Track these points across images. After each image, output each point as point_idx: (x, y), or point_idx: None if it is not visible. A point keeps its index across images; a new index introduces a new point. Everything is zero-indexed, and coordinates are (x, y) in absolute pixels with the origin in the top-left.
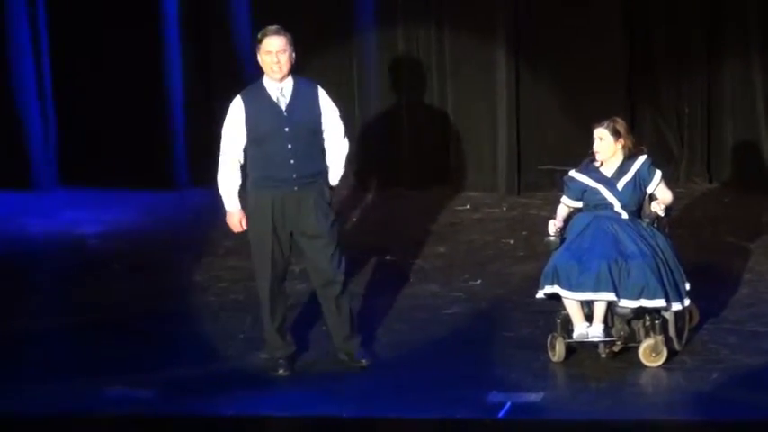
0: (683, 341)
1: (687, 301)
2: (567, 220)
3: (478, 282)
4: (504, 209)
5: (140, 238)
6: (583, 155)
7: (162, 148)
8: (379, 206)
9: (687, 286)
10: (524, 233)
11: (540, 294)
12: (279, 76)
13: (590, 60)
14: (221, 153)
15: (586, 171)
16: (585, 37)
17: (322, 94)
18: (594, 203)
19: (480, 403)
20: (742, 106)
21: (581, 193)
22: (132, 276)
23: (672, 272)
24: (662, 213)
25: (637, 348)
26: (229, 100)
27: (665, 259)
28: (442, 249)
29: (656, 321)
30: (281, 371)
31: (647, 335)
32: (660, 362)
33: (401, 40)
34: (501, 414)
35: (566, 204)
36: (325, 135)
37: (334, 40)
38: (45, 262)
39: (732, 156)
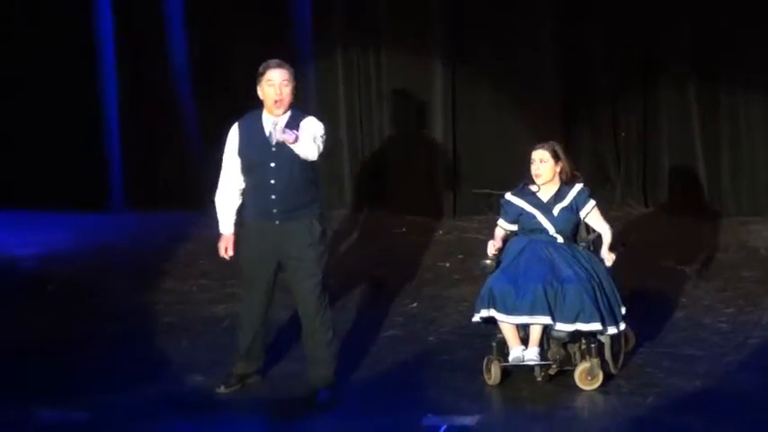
0: (619, 365)
1: (623, 325)
2: (504, 243)
3: (415, 305)
4: (441, 232)
5: (74, 261)
6: (519, 178)
7: (96, 171)
8: None
9: (623, 310)
10: (460, 256)
11: (476, 318)
12: (280, 110)
13: (527, 84)
14: (220, 176)
15: (522, 194)
16: (523, 61)
17: (306, 122)
18: (530, 227)
19: (416, 426)
20: (678, 130)
21: (517, 216)
22: (66, 299)
23: (607, 296)
24: (609, 263)
25: (572, 372)
26: (165, 121)
27: (601, 283)
28: (378, 272)
29: (592, 345)
30: (222, 387)
31: (582, 358)
32: (596, 385)
33: (340, 65)
34: None
35: (502, 227)
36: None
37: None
38: None
39: (668, 179)
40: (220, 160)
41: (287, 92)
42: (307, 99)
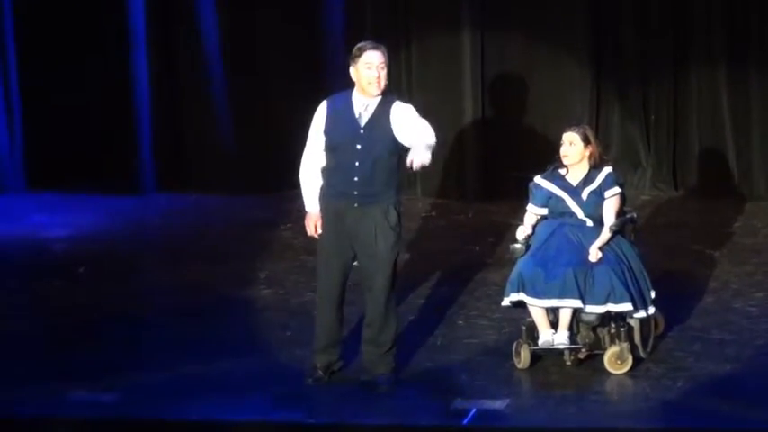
0: (649, 349)
1: (652, 309)
2: (534, 229)
3: (444, 288)
4: (470, 215)
5: (107, 242)
6: (549, 161)
7: (128, 153)
8: None
9: (652, 294)
10: (490, 240)
11: (505, 302)
12: (376, 91)
13: (557, 67)
14: (304, 153)
15: (551, 178)
16: (553, 43)
17: (398, 108)
18: (559, 211)
19: (445, 410)
20: (708, 114)
21: (546, 200)
22: (98, 280)
23: (637, 279)
24: (593, 258)
25: (602, 356)
26: (197, 103)
27: (630, 266)
28: (407, 255)
29: (622, 329)
30: (309, 380)
31: (612, 342)
32: (625, 369)
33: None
34: (465, 421)
35: (532, 212)
36: (405, 135)
37: (302, 41)
38: (11, 265)
39: (698, 163)
40: (251, 143)
41: (384, 74)
42: (338, 82)
